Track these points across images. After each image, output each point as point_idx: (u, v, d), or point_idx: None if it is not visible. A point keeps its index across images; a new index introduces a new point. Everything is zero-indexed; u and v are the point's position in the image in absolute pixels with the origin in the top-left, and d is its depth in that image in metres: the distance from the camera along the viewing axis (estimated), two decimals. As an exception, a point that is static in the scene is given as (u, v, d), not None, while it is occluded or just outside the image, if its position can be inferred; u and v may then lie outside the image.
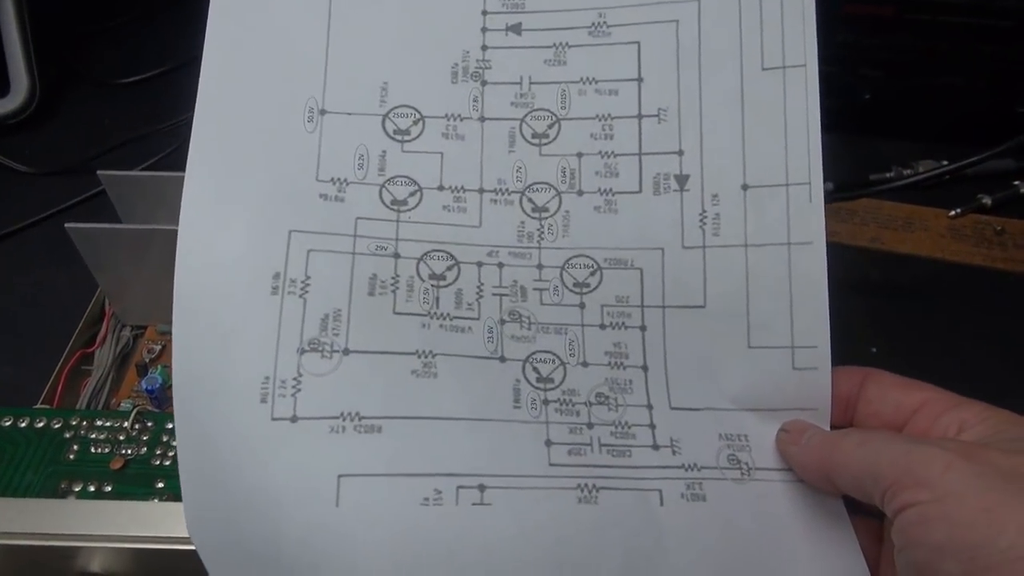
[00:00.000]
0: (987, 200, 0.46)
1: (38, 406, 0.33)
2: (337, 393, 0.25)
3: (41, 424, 0.31)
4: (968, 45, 0.46)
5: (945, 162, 0.45)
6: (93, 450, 0.30)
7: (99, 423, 0.31)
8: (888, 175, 0.47)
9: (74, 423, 0.31)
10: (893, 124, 0.50)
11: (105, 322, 0.37)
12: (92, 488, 0.29)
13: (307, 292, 0.26)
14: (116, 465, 0.29)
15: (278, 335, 0.25)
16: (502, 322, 0.26)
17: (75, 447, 0.30)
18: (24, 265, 0.44)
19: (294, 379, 0.25)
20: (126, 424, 0.30)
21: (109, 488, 0.29)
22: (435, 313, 0.26)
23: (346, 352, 0.25)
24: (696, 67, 0.27)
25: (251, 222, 0.26)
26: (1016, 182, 0.46)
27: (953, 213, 0.45)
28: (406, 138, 0.28)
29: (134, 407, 0.32)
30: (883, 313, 0.41)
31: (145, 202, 0.37)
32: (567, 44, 0.28)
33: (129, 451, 0.30)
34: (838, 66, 0.48)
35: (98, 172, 0.37)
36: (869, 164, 0.47)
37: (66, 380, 0.35)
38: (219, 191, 0.26)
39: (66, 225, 0.33)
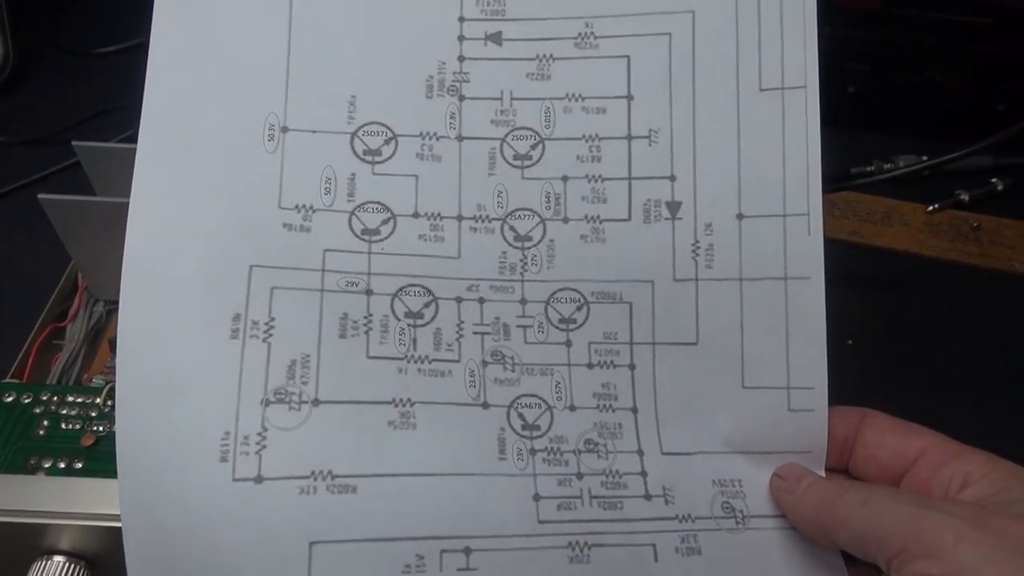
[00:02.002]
0: (964, 196, 0.45)
1: (7, 380, 0.31)
2: (307, 449, 0.22)
3: (10, 399, 0.29)
4: (952, 42, 0.45)
5: (925, 157, 0.44)
6: (64, 426, 0.28)
7: (70, 399, 0.29)
8: (869, 168, 0.45)
9: (44, 398, 0.29)
10: (876, 118, 0.48)
11: (78, 296, 0.35)
12: (62, 465, 0.27)
13: (271, 335, 0.23)
14: (87, 442, 0.28)
15: (239, 385, 0.22)
16: (484, 364, 0.24)
17: (45, 423, 0.28)
18: (-5, 236, 0.43)
19: (258, 434, 0.22)
20: (98, 400, 0.29)
21: (79, 465, 0.27)
22: (412, 356, 0.24)
23: (316, 403, 0.23)
24: (690, 85, 0.25)
25: (206, 257, 0.23)
26: (993, 179, 0.46)
27: (931, 208, 0.45)
28: (377, 159, 0.25)
29: (106, 383, 0.30)
30: (859, 306, 0.40)
31: (121, 174, 0.35)
32: (551, 56, 0.26)
33: (100, 428, 0.28)
34: (824, 58, 0.48)
35: (73, 143, 0.34)
36: (851, 157, 0.46)
37: (37, 354, 0.33)
38: (168, 221, 0.23)
39: (39, 196, 0.31)
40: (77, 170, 0.36)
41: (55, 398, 0.29)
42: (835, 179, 0.44)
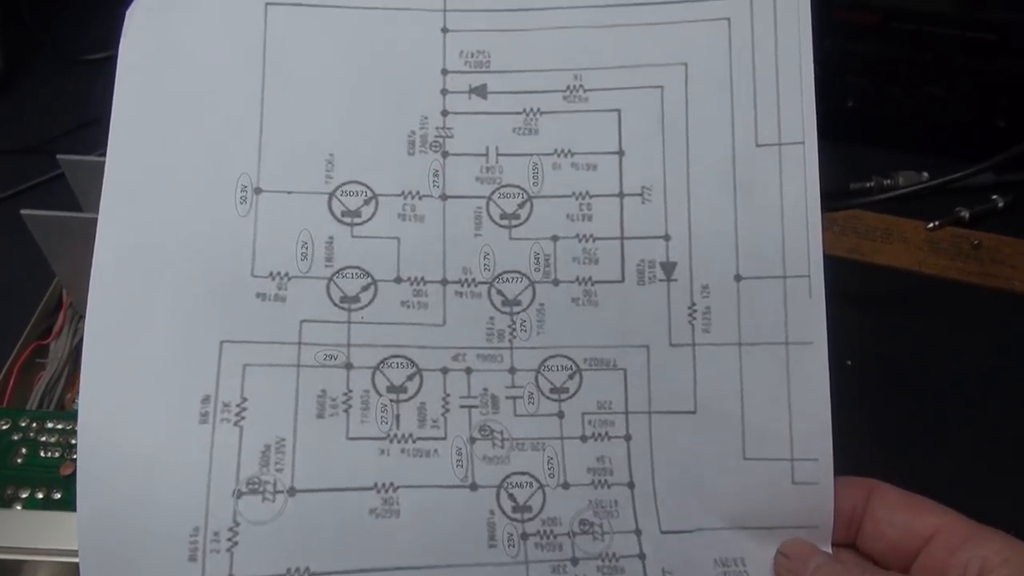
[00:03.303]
0: (965, 213, 0.43)
1: (-14, 404, 0.30)
2: (282, 544, 0.21)
3: (-13, 425, 0.28)
4: (952, 57, 0.43)
5: (925, 174, 0.43)
6: (43, 454, 0.27)
7: (50, 425, 0.28)
8: (868, 184, 0.44)
9: (23, 424, 0.28)
10: (875, 132, 0.47)
11: (62, 313, 0.34)
12: (40, 495, 0.26)
13: (243, 418, 0.22)
14: (67, 471, 0.26)
15: (209, 475, 0.21)
16: (472, 440, 0.23)
17: (23, 450, 0.27)
18: (-25, 250, 0.42)
19: (229, 529, 0.21)
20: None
21: (59, 496, 0.26)
22: (395, 435, 0.22)
23: (292, 492, 0.21)
24: (683, 140, 0.24)
25: (173, 331, 0.22)
26: (994, 196, 0.44)
27: (931, 225, 0.43)
28: (356, 220, 0.23)
29: (89, 404, 0.30)
30: (859, 325, 0.39)
31: (107, 188, 0.35)
32: (539, 110, 0.24)
33: (81, 456, 0.28)
34: (823, 71, 0.47)
35: (57, 156, 0.33)
36: (850, 171, 0.45)
37: (18, 374, 0.31)
38: (131, 291, 0.22)
39: (22, 212, 0.30)
40: (63, 181, 0.35)
41: (34, 424, 0.28)
42: (833, 195, 0.43)
